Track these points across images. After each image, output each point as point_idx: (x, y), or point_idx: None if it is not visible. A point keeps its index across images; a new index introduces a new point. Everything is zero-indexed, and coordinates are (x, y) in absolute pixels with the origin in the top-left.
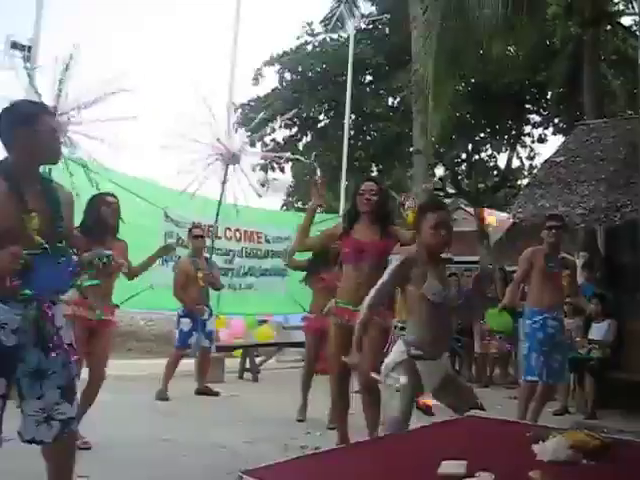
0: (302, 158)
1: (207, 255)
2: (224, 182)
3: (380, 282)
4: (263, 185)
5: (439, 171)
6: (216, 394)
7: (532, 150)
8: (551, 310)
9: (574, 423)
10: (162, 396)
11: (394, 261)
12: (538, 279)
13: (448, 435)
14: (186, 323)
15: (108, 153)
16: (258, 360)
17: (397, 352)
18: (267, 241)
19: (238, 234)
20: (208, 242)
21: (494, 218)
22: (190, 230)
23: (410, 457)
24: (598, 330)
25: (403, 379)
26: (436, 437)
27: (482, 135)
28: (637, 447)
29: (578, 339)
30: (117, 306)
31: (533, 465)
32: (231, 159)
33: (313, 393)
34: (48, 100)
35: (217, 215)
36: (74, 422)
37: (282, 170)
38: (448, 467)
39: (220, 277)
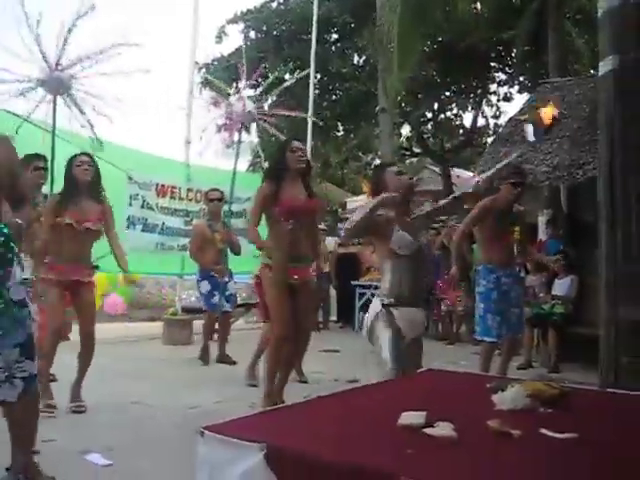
0: (298, 113)
1: (225, 220)
2: (239, 147)
3: (358, 214)
4: (228, 146)
5: (405, 130)
6: (234, 363)
7: (498, 109)
8: (503, 267)
9: (537, 376)
10: (204, 360)
11: (363, 207)
12: (488, 235)
13: (408, 388)
14: (204, 285)
15: (111, 111)
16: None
17: (373, 308)
18: (229, 202)
19: (199, 195)
20: (225, 207)
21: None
22: (207, 193)
23: (371, 410)
24: (561, 286)
25: (383, 331)
26: (396, 390)
27: (448, 94)
28: (591, 395)
29: (542, 295)
30: (95, 267)
31: (492, 414)
32: (247, 118)
33: None
34: (51, 56)
35: (187, 179)
36: (36, 379)
37: (247, 130)
38: (408, 418)
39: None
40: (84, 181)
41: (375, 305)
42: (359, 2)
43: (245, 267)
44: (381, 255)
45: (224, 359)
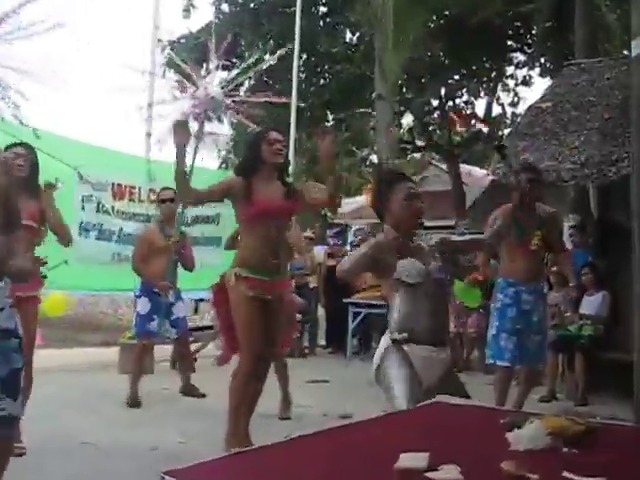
0: (291, 102)
1: (178, 227)
2: (200, 139)
3: (353, 257)
4: (197, 138)
5: (406, 120)
6: (202, 395)
7: (515, 95)
8: (526, 282)
9: (561, 410)
10: (133, 401)
11: (363, 247)
12: (510, 242)
13: (410, 424)
14: (143, 304)
15: (45, 93)
16: (195, 347)
17: (381, 345)
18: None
19: (123, 190)
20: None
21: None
22: (159, 193)
23: (364, 450)
24: (590, 304)
25: (393, 371)
26: (396, 427)
27: (457, 78)
28: (624, 432)
29: (568, 314)
30: (41, 279)
31: (506, 455)
32: (211, 104)
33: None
34: None
35: (148, 175)
36: (16, 422)
37: (219, 120)
38: (407, 460)
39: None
40: (17, 178)
41: (384, 342)
42: None
43: (204, 282)
44: (387, 288)
45: (190, 391)
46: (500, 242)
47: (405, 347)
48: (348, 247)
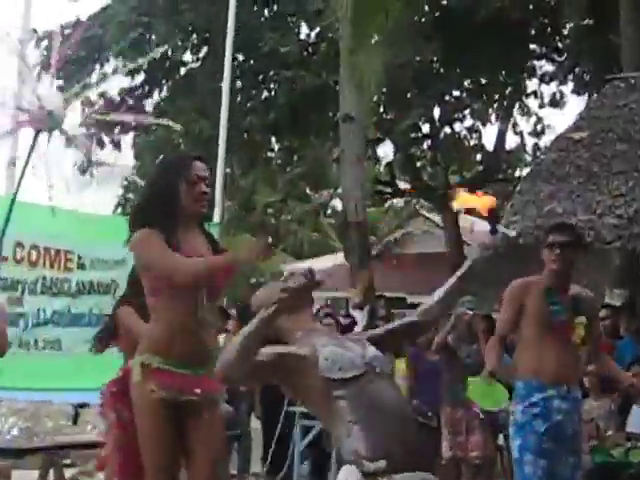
0: (172, 123)
1: None
2: (27, 162)
3: (231, 350)
4: (84, 171)
5: (384, 151)
6: None
7: (539, 120)
8: (558, 384)
9: None
10: None
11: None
12: (535, 332)
13: None
14: None
15: None
16: (71, 473)
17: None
18: (81, 267)
19: (34, 254)
20: None
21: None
22: None
23: None
24: None
25: None
26: None
27: (457, 94)
28: None
29: (610, 432)
30: None
31: None
32: (45, 122)
33: None
34: None
35: (6, 221)
36: None
37: (117, 146)
38: None
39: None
40: None
41: (348, 476)
42: None
43: (89, 380)
44: (312, 398)
45: None
46: (519, 329)
47: None
48: None
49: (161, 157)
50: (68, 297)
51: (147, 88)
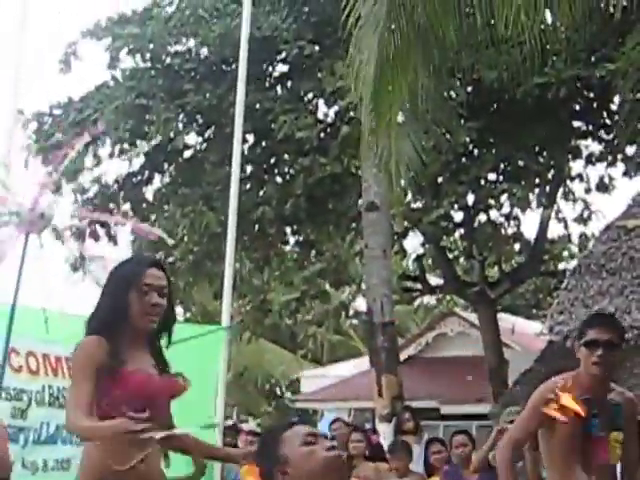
0: (165, 236)
1: None
2: (21, 265)
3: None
4: (76, 269)
5: (412, 243)
6: None
7: (585, 206)
8: None
9: None
10: None
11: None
12: (566, 447)
13: None
14: None
15: None
16: None
17: None
18: None
19: (34, 362)
20: None
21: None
22: None
23: None
24: None
25: None
26: None
27: (492, 177)
28: None
29: None
30: None
31: None
32: (35, 223)
33: None
34: None
35: (9, 327)
36: None
37: (113, 240)
38: None
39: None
40: None
41: None
42: (328, 18)
43: None
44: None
45: None
46: (542, 441)
47: None
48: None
49: (117, 262)
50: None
51: (147, 173)
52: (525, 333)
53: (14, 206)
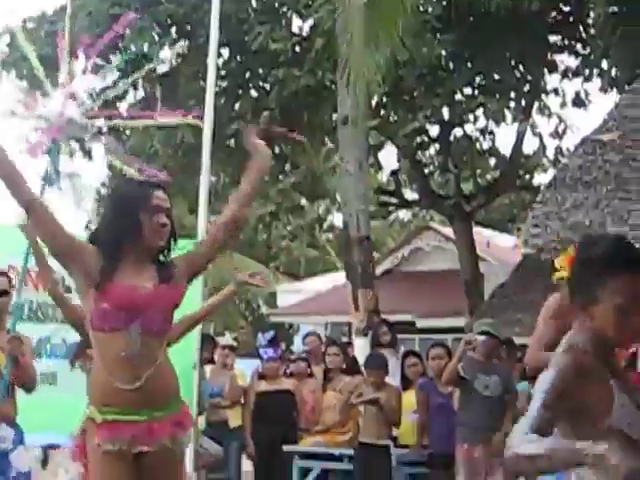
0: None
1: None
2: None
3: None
4: (51, 184)
5: (388, 157)
6: None
7: (560, 120)
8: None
9: None
10: None
11: (556, 366)
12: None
13: None
14: None
15: None
16: None
17: None
18: (67, 290)
19: (13, 276)
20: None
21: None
22: None
23: None
24: None
25: None
26: None
27: (468, 92)
28: None
29: None
30: None
31: None
32: (64, 130)
33: None
34: None
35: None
36: None
37: (88, 155)
38: None
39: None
40: None
41: None
42: None
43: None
44: None
45: None
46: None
47: None
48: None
49: (119, 182)
50: (56, 323)
51: (121, 88)
52: (500, 246)
53: (43, 110)
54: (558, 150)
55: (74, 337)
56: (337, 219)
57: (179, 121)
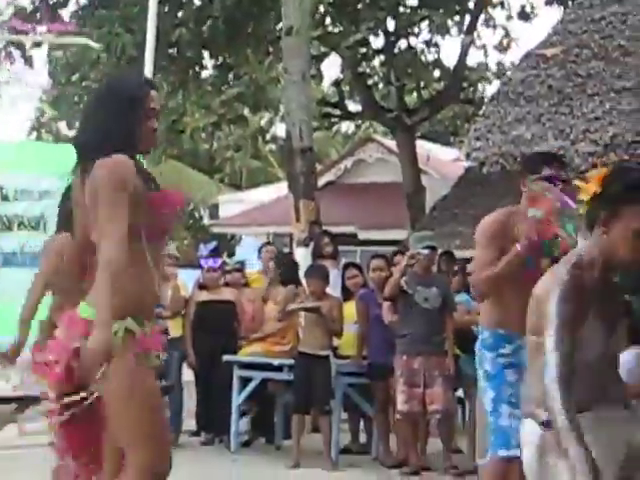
0: (91, 42)
1: None
2: None
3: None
4: None
5: (331, 69)
6: None
7: (506, 34)
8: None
9: None
10: None
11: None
12: (510, 276)
13: None
14: None
15: None
16: None
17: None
18: (4, 198)
19: None
20: None
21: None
22: None
23: None
24: (625, 365)
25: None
26: None
27: (412, 3)
28: None
29: None
30: None
31: None
32: None
33: None
34: None
35: None
36: None
37: (28, 62)
38: None
39: None
40: None
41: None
42: None
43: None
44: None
45: None
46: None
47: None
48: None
49: (114, 77)
50: None
51: None
52: (442, 160)
53: None
54: (501, 65)
55: (10, 246)
56: (280, 130)
57: (68, 41)
